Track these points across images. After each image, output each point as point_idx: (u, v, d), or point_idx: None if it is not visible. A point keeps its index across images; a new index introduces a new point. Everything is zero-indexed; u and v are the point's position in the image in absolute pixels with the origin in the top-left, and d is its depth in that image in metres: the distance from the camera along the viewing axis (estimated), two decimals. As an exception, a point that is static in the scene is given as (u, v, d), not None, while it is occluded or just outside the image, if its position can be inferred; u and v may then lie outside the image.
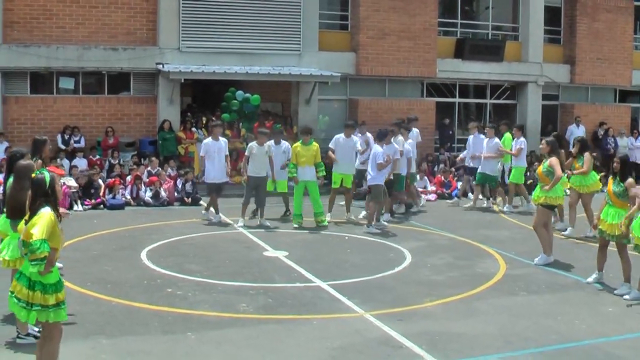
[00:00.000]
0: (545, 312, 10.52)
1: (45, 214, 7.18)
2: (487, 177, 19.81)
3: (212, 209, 17.64)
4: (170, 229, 16.46)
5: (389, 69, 26.29)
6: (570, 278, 12.57)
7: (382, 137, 16.99)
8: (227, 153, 18.00)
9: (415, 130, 20.37)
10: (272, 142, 17.59)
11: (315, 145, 17.35)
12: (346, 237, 15.96)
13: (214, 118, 23.36)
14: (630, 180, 11.50)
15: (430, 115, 26.93)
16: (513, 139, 20.27)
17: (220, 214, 17.61)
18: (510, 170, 20.19)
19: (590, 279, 12.18)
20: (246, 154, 17.47)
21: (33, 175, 7.64)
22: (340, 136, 18.11)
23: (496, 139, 19.99)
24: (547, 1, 29.22)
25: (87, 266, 12.74)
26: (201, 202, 19.36)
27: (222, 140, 17.86)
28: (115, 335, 9.15)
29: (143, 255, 13.70)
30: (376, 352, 8.79)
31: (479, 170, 19.89)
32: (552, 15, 29.69)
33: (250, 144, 17.58)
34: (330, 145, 18.15)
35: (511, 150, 19.95)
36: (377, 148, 16.74)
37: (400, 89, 27.28)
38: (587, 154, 16.19)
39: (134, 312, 10.19)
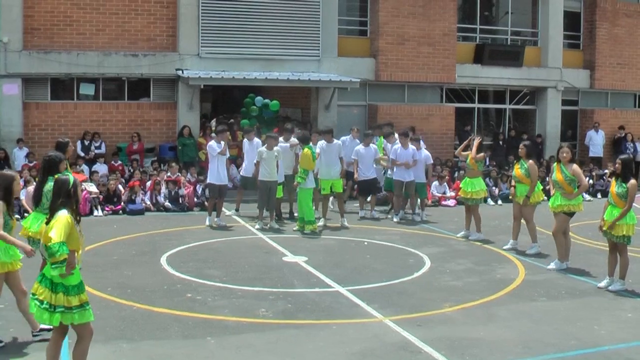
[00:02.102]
0: (564, 318, 10.50)
1: (62, 216, 7.24)
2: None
3: (214, 213, 17.85)
4: (189, 235, 16.53)
5: (408, 74, 26.29)
6: (590, 284, 12.51)
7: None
8: (228, 156, 18.28)
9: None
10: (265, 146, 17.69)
11: (304, 150, 17.11)
12: (365, 243, 15.96)
13: (232, 120, 23.59)
14: (632, 181, 11.67)
15: (450, 121, 26.93)
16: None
17: (216, 218, 17.83)
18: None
19: (601, 284, 12.23)
20: (257, 159, 17.55)
21: (56, 176, 7.69)
22: (323, 142, 18.28)
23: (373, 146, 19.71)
24: (567, 6, 29.16)
25: (108, 271, 12.82)
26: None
27: (224, 143, 17.96)
28: (135, 340, 9.21)
29: (163, 260, 13.76)
30: (395, 357, 8.79)
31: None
32: (571, 21, 29.63)
33: (259, 149, 17.67)
34: (317, 150, 18.01)
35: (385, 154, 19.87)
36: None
37: (420, 95, 27.29)
38: (481, 154, 16.66)
39: (154, 316, 10.24)
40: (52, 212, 7.38)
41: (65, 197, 7.39)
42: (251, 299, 11.24)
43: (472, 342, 9.34)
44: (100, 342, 8.86)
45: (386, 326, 10.00)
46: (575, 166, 13.52)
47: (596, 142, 28.45)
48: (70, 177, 7.56)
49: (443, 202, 22.01)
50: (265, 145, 17.49)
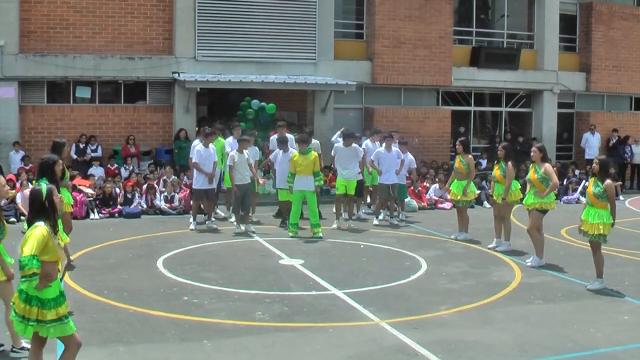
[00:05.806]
0: (561, 321, 10.49)
1: (36, 229, 7.10)
2: None
3: (208, 215, 18.06)
4: (186, 238, 16.51)
5: (405, 77, 26.32)
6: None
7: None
8: (216, 159, 18.15)
9: (315, 142, 19.68)
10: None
11: (313, 154, 17.03)
12: (362, 246, 15.95)
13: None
14: (608, 181, 11.88)
15: (446, 124, 26.95)
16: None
17: (200, 219, 18.10)
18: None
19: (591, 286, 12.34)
20: (229, 163, 17.31)
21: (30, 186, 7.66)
22: (341, 144, 18.42)
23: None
24: (563, 9, 29.24)
25: (104, 274, 12.80)
26: (217, 211, 19.35)
27: (212, 147, 17.95)
28: (132, 343, 9.19)
29: (159, 263, 13.74)
30: (392, 360, 8.80)
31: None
32: (567, 23, 29.69)
33: (231, 154, 17.48)
34: (332, 153, 18.55)
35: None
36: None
37: (416, 98, 27.33)
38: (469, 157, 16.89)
39: (151, 320, 10.22)
40: (29, 224, 7.29)
41: (40, 207, 7.27)
42: (248, 302, 11.23)
43: (468, 345, 9.34)
44: (96, 345, 8.87)
45: (383, 329, 9.99)
46: (547, 165, 13.91)
47: (592, 144, 28.50)
48: (43, 187, 7.44)
49: (439, 205, 22.03)
50: (236, 149, 17.44)
